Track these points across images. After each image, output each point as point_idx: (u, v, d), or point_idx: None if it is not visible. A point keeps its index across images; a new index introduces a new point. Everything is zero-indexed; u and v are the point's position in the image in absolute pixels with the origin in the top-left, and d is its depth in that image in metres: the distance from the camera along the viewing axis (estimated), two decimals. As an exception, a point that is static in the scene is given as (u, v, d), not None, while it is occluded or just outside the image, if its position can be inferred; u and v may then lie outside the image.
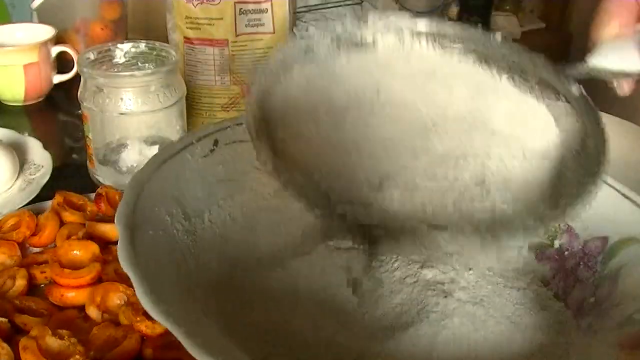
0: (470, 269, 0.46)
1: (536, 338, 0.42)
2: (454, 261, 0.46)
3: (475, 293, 0.44)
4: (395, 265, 0.46)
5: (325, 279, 0.44)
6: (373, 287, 0.44)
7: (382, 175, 0.43)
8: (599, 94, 0.42)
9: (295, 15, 0.84)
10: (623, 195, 0.44)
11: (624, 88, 0.44)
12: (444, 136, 0.43)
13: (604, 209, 0.42)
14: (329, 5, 1.10)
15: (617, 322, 0.39)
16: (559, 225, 0.46)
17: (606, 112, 0.43)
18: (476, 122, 0.42)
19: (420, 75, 0.43)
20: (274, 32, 0.72)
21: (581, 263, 0.44)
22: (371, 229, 0.43)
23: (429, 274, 0.45)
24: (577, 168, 0.39)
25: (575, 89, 0.40)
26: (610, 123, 0.41)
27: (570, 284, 0.44)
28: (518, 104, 0.42)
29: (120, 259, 0.33)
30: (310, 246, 0.46)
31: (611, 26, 0.43)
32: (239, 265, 0.44)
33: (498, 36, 0.41)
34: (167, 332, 0.41)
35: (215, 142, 0.46)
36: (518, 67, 0.41)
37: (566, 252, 0.45)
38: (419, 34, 0.42)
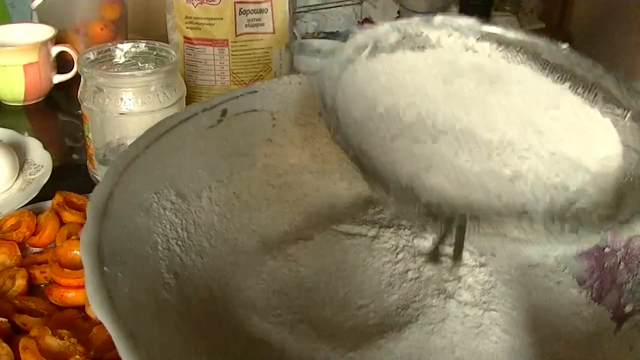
0: (482, 266, 0.42)
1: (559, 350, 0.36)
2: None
3: (482, 296, 0.40)
4: (400, 256, 0.43)
5: (319, 266, 0.42)
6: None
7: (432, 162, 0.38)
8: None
9: (295, 15, 0.84)
10: None
11: None
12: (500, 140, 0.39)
13: None
14: (329, 5, 1.09)
15: None
16: None
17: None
18: (533, 132, 0.39)
19: (482, 80, 0.42)
20: (274, 32, 0.72)
21: (622, 263, 0.40)
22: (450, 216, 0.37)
23: (431, 270, 0.42)
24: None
25: None
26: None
27: (606, 286, 0.40)
28: (579, 115, 0.40)
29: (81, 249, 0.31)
30: (313, 231, 0.44)
31: None
32: (238, 249, 0.41)
33: (564, 45, 0.41)
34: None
35: (224, 112, 0.42)
36: (583, 77, 0.40)
37: (606, 249, 0.40)
38: (482, 37, 0.42)
